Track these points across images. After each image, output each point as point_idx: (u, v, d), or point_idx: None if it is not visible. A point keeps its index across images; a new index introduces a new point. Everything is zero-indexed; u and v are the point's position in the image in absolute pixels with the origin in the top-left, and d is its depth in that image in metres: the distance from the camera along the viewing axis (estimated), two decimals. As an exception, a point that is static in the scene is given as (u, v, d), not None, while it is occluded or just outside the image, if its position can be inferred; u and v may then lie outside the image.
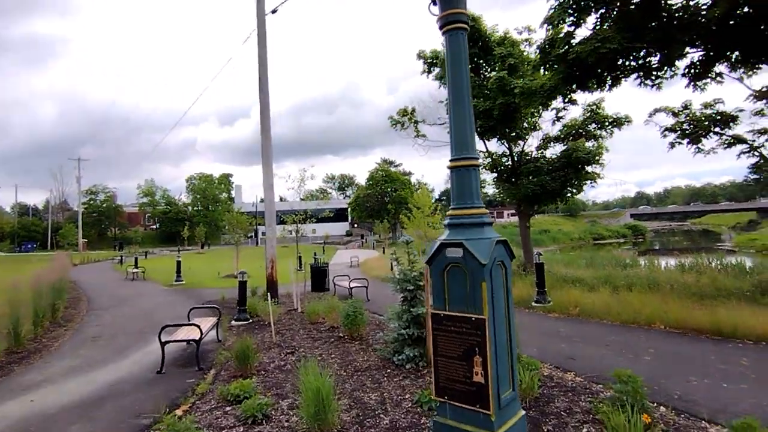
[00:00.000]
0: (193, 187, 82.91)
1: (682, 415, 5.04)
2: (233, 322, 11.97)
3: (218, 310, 10.51)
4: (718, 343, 8.02)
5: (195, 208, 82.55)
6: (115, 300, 17.52)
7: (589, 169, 16.72)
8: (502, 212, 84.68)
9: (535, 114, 17.49)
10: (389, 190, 63.43)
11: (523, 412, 4.40)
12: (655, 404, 5.33)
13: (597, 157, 16.44)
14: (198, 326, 8.16)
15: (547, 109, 16.85)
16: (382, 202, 63.15)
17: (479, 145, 19.08)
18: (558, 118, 16.80)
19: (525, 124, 17.58)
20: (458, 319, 4.02)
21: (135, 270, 26.15)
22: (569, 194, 16.95)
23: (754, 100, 12.31)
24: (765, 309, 9.52)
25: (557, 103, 15.92)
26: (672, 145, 13.63)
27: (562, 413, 5.28)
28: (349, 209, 77.98)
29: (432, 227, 24.34)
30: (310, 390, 5.23)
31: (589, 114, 17.52)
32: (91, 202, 77.85)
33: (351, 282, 16.00)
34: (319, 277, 18.06)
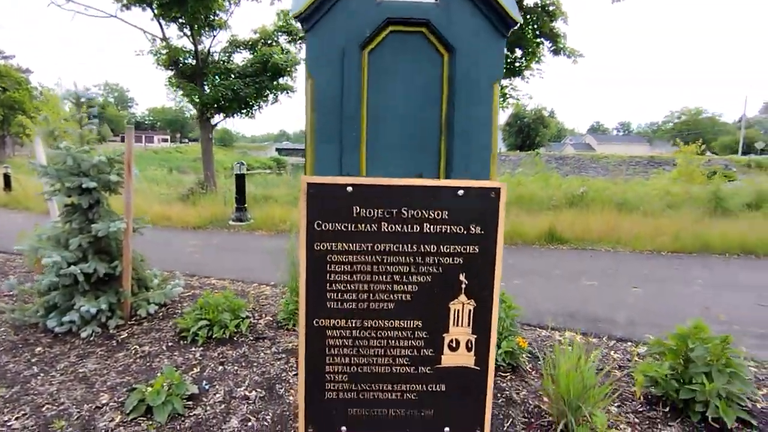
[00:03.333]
0: None
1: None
2: None
3: None
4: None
5: None
6: None
7: (282, 81, 14.72)
8: (152, 137, 73.20)
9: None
10: (-9, 89, 42.55)
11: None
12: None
13: (290, 69, 14.56)
14: None
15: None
16: (-22, 106, 42.07)
17: (155, 28, 13.92)
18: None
19: (220, 15, 13.69)
20: (409, 194, 1.28)
21: None
22: (264, 103, 14.54)
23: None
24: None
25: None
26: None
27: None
28: None
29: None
30: None
31: (282, 24, 15.29)
32: None
33: None
34: None
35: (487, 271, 1.31)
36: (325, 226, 1.28)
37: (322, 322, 1.31)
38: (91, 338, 3.68)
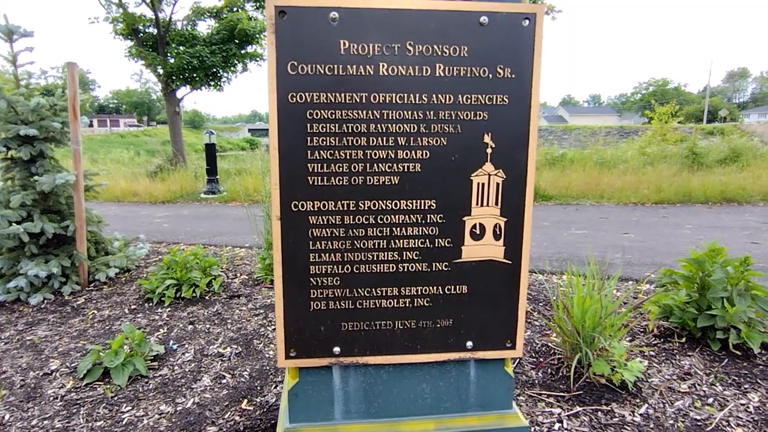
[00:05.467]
0: None
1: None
2: None
3: None
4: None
5: None
6: None
7: (250, 49, 13.97)
8: (118, 120, 69.97)
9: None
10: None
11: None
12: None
13: (258, 36, 13.79)
14: None
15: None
16: None
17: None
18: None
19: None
20: (416, 22, 0.94)
21: None
22: (233, 73, 13.74)
23: None
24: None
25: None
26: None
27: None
28: None
29: None
30: None
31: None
32: None
33: None
34: None
35: (520, 130, 0.99)
36: (302, 69, 0.92)
37: (302, 205, 0.97)
38: (43, 305, 3.25)
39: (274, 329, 2.79)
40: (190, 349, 2.56)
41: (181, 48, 13.24)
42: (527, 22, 0.94)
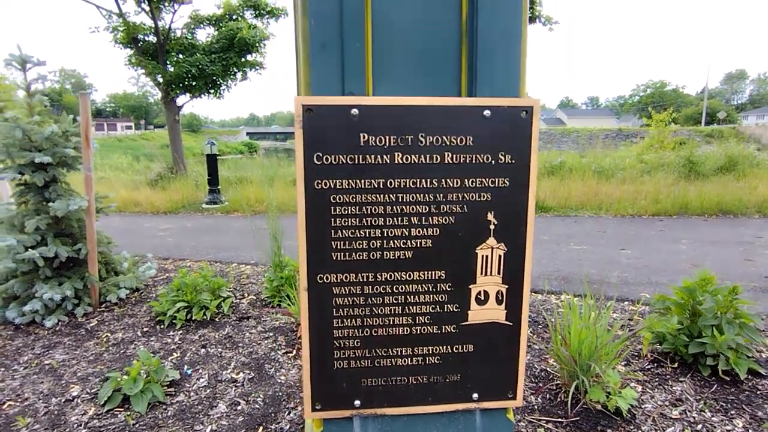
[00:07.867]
0: None
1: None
2: None
3: None
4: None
5: None
6: None
7: (250, 57, 14.09)
8: (115, 124, 70.06)
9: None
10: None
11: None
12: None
13: (258, 45, 13.92)
14: None
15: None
16: None
17: (110, 3, 12.98)
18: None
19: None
20: (426, 116, 1.07)
21: None
22: (233, 81, 13.87)
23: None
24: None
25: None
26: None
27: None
28: None
29: None
30: None
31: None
32: None
33: None
34: None
35: (520, 209, 1.11)
36: (327, 159, 1.05)
37: (327, 277, 1.09)
38: (57, 328, 3.36)
39: (285, 353, 2.90)
40: (204, 374, 2.68)
41: (181, 56, 13.37)
42: (525, 113, 1.07)
